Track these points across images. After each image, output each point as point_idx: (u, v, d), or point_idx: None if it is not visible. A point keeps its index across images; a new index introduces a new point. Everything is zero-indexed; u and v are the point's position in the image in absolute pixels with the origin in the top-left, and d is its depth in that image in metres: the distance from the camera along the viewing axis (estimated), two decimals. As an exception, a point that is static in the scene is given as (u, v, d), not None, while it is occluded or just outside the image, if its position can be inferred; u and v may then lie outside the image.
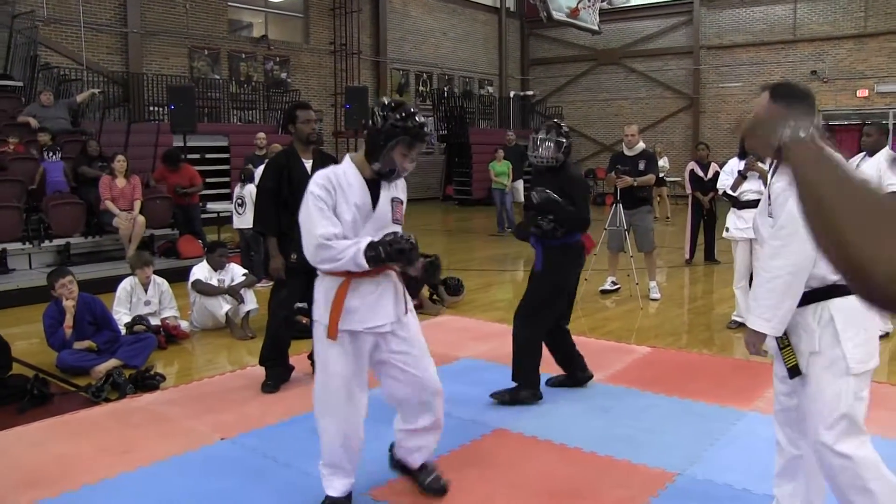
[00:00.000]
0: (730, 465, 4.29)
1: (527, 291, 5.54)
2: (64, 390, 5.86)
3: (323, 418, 3.70)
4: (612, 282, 9.56)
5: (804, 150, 1.07)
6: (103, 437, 4.87)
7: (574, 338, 5.83)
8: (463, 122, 25.19)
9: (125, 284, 7.36)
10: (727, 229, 7.65)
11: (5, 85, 13.90)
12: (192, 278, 7.73)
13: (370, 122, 3.57)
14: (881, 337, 6.88)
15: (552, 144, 5.44)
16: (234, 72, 20.54)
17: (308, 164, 5.54)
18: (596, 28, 22.19)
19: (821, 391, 2.99)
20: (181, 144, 14.07)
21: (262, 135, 12.28)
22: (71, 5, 16.89)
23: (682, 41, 26.66)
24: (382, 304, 3.59)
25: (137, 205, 10.69)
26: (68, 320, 6.34)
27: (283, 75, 21.86)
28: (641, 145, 9.21)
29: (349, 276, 3.50)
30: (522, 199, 16.41)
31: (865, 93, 22.87)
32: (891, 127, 19.42)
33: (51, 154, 11.17)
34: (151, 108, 17.84)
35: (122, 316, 7.07)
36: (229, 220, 11.30)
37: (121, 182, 10.66)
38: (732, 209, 7.62)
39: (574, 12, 20.65)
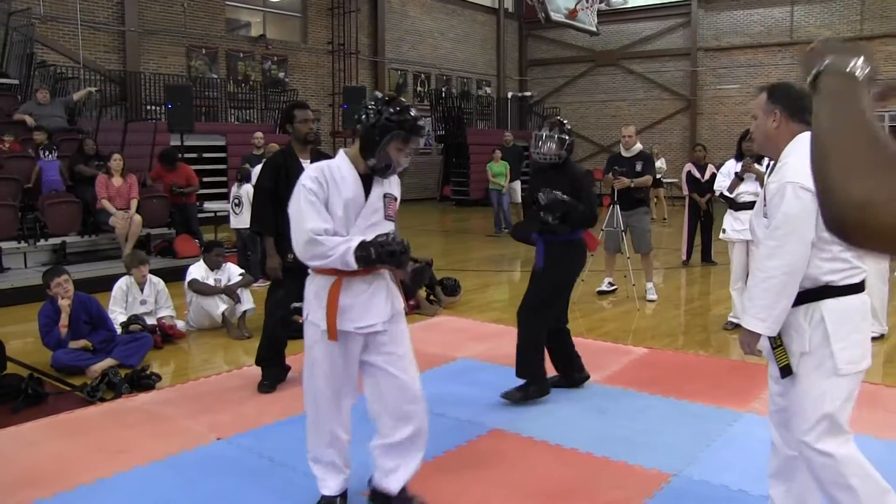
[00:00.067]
0: (726, 466, 4.29)
1: (529, 289, 5.53)
2: (59, 390, 5.84)
3: (310, 416, 3.70)
4: (609, 283, 9.56)
5: (837, 81, 1.05)
6: (99, 437, 4.86)
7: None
8: (461, 122, 25.19)
9: (121, 283, 7.35)
10: (724, 231, 7.65)
11: (1, 83, 13.87)
12: (188, 278, 7.72)
13: (363, 117, 3.50)
14: (876, 338, 6.89)
15: (555, 141, 5.44)
16: (231, 71, 20.53)
17: (306, 163, 5.52)
18: (594, 29, 22.18)
19: (807, 390, 3.02)
20: (178, 144, 14.07)
21: (259, 134, 12.28)
22: (68, 3, 16.87)
23: (680, 43, 26.69)
24: (374, 303, 3.53)
25: (134, 204, 10.68)
26: (64, 319, 6.33)
27: (281, 75, 21.85)
28: (639, 146, 9.21)
29: (341, 275, 3.45)
30: (520, 199, 16.45)
31: (862, 95, 22.85)
32: (887, 129, 19.40)
33: (47, 153, 11.15)
34: (149, 107, 17.82)
35: (117, 315, 7.06)
36: (226, 219, 11.29)
37: (117, 181, 10.65)
38: (729, 211, 7.62)
39: (572, 13, 20.64)
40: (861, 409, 4.95)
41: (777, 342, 3.07)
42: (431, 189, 25.63)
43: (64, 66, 16.50)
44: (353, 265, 3.33)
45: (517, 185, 16.55)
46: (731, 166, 7.68)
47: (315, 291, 3.55)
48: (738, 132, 8.43)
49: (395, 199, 3.65)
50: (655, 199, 17.63)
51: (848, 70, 1.08)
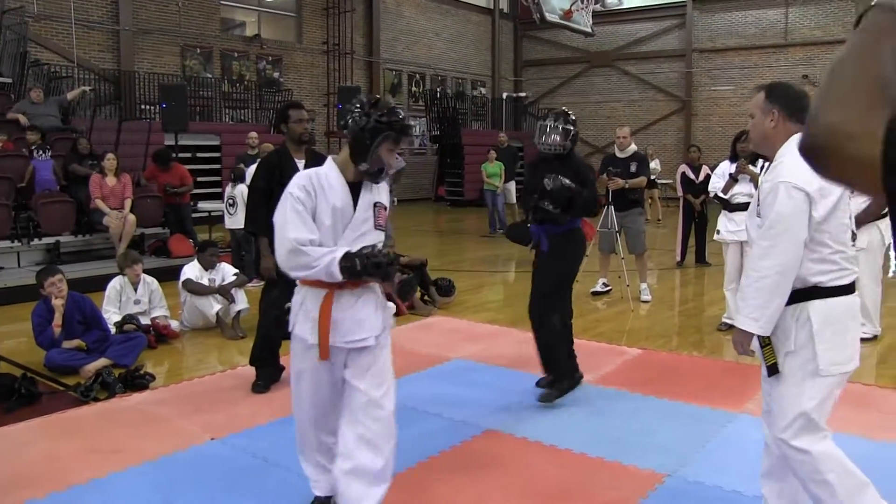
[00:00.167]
0: (720, 467, 4.30)
1: (534, 285, 5.52)
2: (52, 389, 5.83)
3: (297, 422, 3.65)
4: (604, 283, 9.57)
5: (879, 17, 1.02)
6: (92, 437, 4.85)
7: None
8: (455, 122, 25.21)
9: (115, 283, 7.34)
10: (718, 232, 7.66)
11: (-6, 82, 13.86)
12: (182, 277, 7.71)
13: (350, 122, 3.38)
14: (869, 339, 6.91)
15: (560, 132, 5.44)
16: (226, 71, 20.50)
17: (300, 163, 5.52)
18: (589, 30, 22.16)
19: (787, 389, 3.06)
20: (173, 143, 14.04)
21: (254, 134, 12.26)
22: (62, 2, 16.81)
23: (675, 44, 26.73)
24: (363, 317, 3.39)
25: (128, 203, 10.66)
26: (57, 319, 6.31)
27: (276, 75, 21.83)
28: (633, 147, 9.23)
29: (332, 289, 3.33)
30: (514, 200, 16.47)
31: (856, 97, 22.92)
32: None
33: (41, 152, 11.12)
34: (143, 107, 17.80)
35: (111, 315, 7.04)
36: (220, 219, 11.27)
37: (111, 180, 10.62)
38: (723, 212, 7.63)
39: (567, 14, 20.63)
40: (854, 410, 4.98)
41: (766, 341, 3.09)
42: (426, 189, 25.64)
43: (58, 65, 16.45)
44: (338, 276, 3.21)
45: (512, 185, 16.54)
46: (726, 167, 7.69)
47: (301, 303, 3.43)
48: (732, 133, 8.44)
49: (385, 207, 3.52)
50: (650, 200, 17.66)
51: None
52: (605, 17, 25.46)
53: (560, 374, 5.40)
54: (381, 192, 3.50)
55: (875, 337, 7.08)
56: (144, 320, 7.17)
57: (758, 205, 3.15)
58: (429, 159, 25.95)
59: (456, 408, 5.30)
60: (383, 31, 24.90)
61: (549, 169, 5.40)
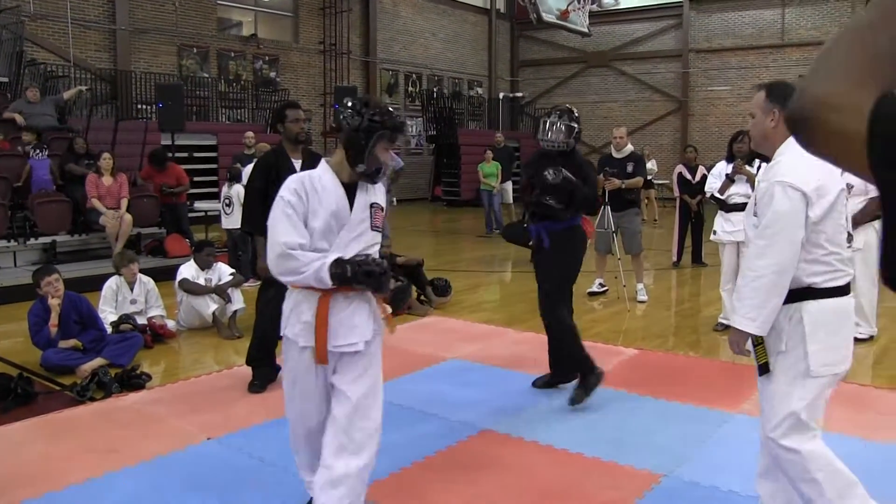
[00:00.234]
0: (716, 467, 4.30)
1: (540, 285, 5.50)
2: (48, 389, 5.83)
3: (291, 425, 3.59)
4: (600, 284, 9.57)
5: None
6: (88, 437, 4.85)
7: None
8: (452, 123, 25.20)
9: (111, 283, 7.33)
10: (714, 232, 7.67)
11: (-9, 81, 13.84)
12: (179, 277, 7.70)
13: (344, 123, 3.32)
14: (865, 340, 6.92)
15: (563, 129, 5.42)
16: (222, 70, 20.49)
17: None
18: (585, 30, 22.20)
19: (777, 388, 3.08)
20: (169, 143, 14.03)
21: (250, 134, 12.27)
22: (58, 1, 16.80)
23: (672, 44, 26.76)
24: (356, 321, 3.32)
25: (124, 203, 10.64)
26: (53, 319, 6.31)
27: (272, 74, 21.82)
28: (630, 148, 9.23)
29: (326, 293, 3.26)
30: (511, 200, 16.49)
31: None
32: None
33: (37, 151, 11.10)
34: (139, 106, 17.78)
35: (108, 315, 7.04)
36: (217, 219, 11.26)
37: (107, 180, 10.61)
38: (720, 212, 7.64)
39: (564, 14, 20.66)
40: (850, 411, 4.99)
41: (758, 340, 3.10)
42: (422, 189, 25.64)
43: (54, 65, 16.45)
44: (328, 282, 3.16)
45: (508, 185, 16.57)
46: (722, 168, 7.70)
47: (293, 307, 3.37)
48: (729, 134, 8.46)
49: (382, 208, 3.47)
50: (646, 201, 17.67)
51: None
52: (601, 17, 25.51)
53: (584, 370, 5.35)
54: (377, 193, 3.45)
55: (871, 337, 7.09)
56: (141, 320, 7.17)
57: (755, 204, 3.16)
58: (425, 159, 25.95)
59: (452, 408, 5.30)
60: (380, 30, 24.90)
61: (551, 165, 5.38)
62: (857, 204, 6.37)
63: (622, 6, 26.58)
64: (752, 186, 7.36)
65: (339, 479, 3.28)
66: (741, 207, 7.37)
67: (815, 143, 0.91)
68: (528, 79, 30.19)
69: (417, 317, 8.28)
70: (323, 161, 3.47)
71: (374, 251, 3.42)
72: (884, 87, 0.86)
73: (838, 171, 0.97)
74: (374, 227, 3.41)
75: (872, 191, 5.97)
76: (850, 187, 4.70)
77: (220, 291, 7.57)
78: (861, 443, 4.45)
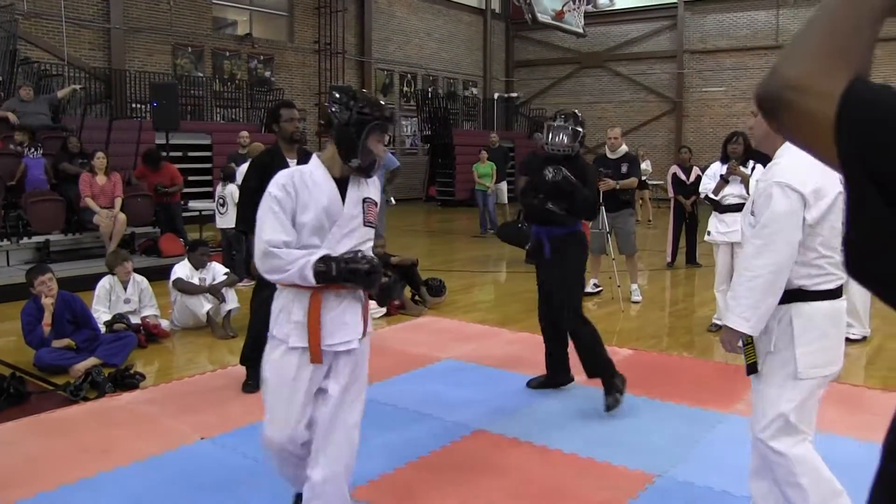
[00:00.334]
0: (710, 467, 4.31)
1: (555, 294, 5.44)
2: (41, 389, 5.82)
3: (269, 437, 3.36)
4: (595, 284, 9.58)
5: None
6: (81, 437, 4.84)
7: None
8: (447, 123, 25.20)
9: (104, 282, 7.32)
10: (709, 233, 7.68)
11: (-17, 79, 13.78)
12: (173, 277, 7.69)
13: (333, 118, 3.22)
14: (858, 340, 6.93)
15: (569, 133, 5.40)
16: (217, 70, 20.45)
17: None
18: (580, 31, 22.19)
19: (766, 389, 3.10)
20: (163, 142, 14.01)
21: (245, 133, 12.24)
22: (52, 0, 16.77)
23: (666, 45, 26.79)
24: (347, 319, 3.27)
25: (118, 202, 10.63)
26: (47, 318, 6.29)
27: (267, 74, 21.79)
28: (624, 148, 9.24)
29: (317, 291, 3.19)
30: (506, 200, 16.50)
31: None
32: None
33: (32, 150, 11.07)
34: (134, 105, 17.74)
35: (101, 314, 7.02)
36: (211, 218, 11.25)
37: (101, 179, 10.59)
38: (714, 213, 7.65)
39: (559, 15, 20.66)
40: (843, 411, 5.01)
41: (748, 339, 3.11)
42: (417, 189, 25.62)
43: (48, 63, 16.40)
44: (311, 280, 3.09)
45: (503, 185, 16.58)
46: (717, 169, 7.71)
47: (282, 306, 3.28)
48: (723, 135, 8.47)
49: (375, 203, 3.38)
50: (641, 201, 17.70)
51: None
52: (596, 17, 25.50)
53: (608, 374, 5.30)
54: (370, 188, 3.37)
55: (864, 338, 7.11)
56: (134, 319, 7.16)
57: (752, 203, 3.17)
58: (420, 159, 25.93)
59: (446, 408, 5.30)
60: (375, 30, 24.89)
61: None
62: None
63: (617, 7, 26.59)
64: (747, 187, 7.37)
65: (320, 488, 3.29)
66: (735, 208, 7.38)
67: (785, 125, 0.90)
68: (523, 79, 30.19)
69: (412, 317, 8.27)
70: (314, 156, 3.40)
71: (368, 247, 3.35)
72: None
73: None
74: (367, 223, 3.33)
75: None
76: None
77: (215, 291, 7.56)
78: (854, 443, 4.46)
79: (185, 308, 7.60)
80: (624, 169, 8.99)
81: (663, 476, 4.22)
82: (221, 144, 17.00)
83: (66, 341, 6.31)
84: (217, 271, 7.85)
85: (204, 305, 7.53)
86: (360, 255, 3.18)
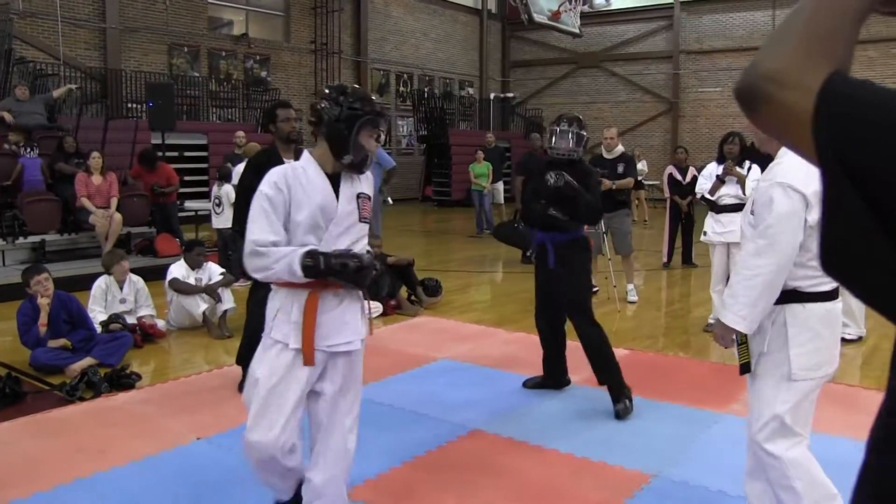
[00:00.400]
0: (706, 467, 4.32)
1: (567, 302, 5.41)
2: (37, 389, 5.81)
3: (253, 441, 3.21)
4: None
5: None
6: (78, 437, 4.83)
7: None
8: (443, 123, 25.19)
9: (100, 282, 7.31)
10: (705, 233, 7.68)
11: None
12: (169, 277, 7.69)
13: (323, 116, 3.18)
14: (854, 340, 6.95)
15: (573, 137, 5.39)
16: (213, 70, 20.43)
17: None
18: (577, 31, 22.28)
19: (761, 390, 3.11)
20: (159, 142, 14.00)
21: (241, 133, 12.24)
22: (48, -1, 16.77)
23: (662, 45, 26.83)
24: (347, 319, 3.24)
25: (114, 202, 10.60)
26: (43, 318, 6.28)
27: (263, 74, 21.78)
28: (620, 148, 9.24)
29: (314, 290, 3.15)
30: (502, 200, 16.50)
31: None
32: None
33: (29, 150, 11.05)
34: (130, 105, 17.72)
35: (97, 314, 7.02)
36: (207, 218, 11.24)
37: (97, 179, 10.58)
38: (710, 213, 7.65)
39: (555, 15, 20.73)
40: (839, 411, 5.01)
41: (742, 339, 3.12)
42: (413, 189, 25.63)
43: (44, 63, 16.37)
44: (299, 273, 3.02)
45: (500, 185, 16.58)
46: (713, 169, 7.71)
47: (280, 307, 3.21)
48: (719, 135, 8.47)
49: (369, 198, 3.35)
50: (637, 202, 17.71)
51: None
52: (592, 18, 25.58)
53: (617, 376, 5.29)
54: (363, 183, 3.34)
55: (860, 338, 7.12)
56: (130, 319, 7.15)
57: (752, 203, 3.17)
58: (416, 159, 25.94)
59: (442, 408, 5.30)
60: (371, 30, 24.88)
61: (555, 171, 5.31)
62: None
63: (613, 7, 26.65)
64: (743, 188, 7.38)
65: (320, 489, 3.30)
66: (731, 208, 7.39)
67: (763, 118, 0.90)
68: (520, 79, 30.22)
69: (408, 317, 8.27)
70: (305, 152, 3.35)
71: (363, 244, 3.33)
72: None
73: None
74: (362, 219, 3.30)
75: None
76: None
77: (211, 291, 7.56)
78: (850, 443, 4.46)
79: (181, 308, 7.59)
80: (620, 169, 9.00)
81: (659, 476, 4.23)
82: (217, 144, 16.97)
83: (62, 341, 6.31)
84: (213, 271, 7.84)
85: (200, 305, 7.52)
86: (349, 251, 3.14)
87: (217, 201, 10.18)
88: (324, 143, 3.24)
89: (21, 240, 10.39)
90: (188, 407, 5.39)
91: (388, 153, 12.66)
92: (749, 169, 7.46)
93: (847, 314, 6.26)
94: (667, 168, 12.21)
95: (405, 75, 26.43)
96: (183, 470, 4.32)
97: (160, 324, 7.44)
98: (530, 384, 5.77)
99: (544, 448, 4.63)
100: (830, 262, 0.84)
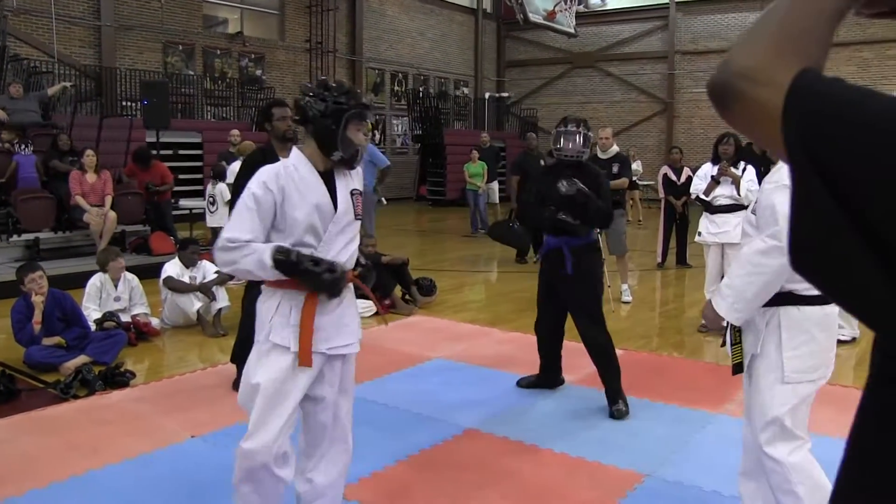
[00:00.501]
0: (699, 467, 4.33)
1: (581, 307, 5.39)
2: (31, 386, 5.80)
3: (253, 450, 3.12)
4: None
5: None
6: (72, 435, 4.83)
7: (546, 339, 5.84)
8: (438, 122, 25.18)
9: (95, 280, 7.30)
10: (699, 234, 7.70)
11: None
12: (163, 275, 7.68)
13: (308, 112, 3.13)
14: (847, 342, 6.96)
15: (581, 138, 5.37)
16: (208, 68, 20.40)
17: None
18: (572, 31, 22.27)
19: (758, 392, 3.11)
20: (154, 140, 13.98)
21: (235, 132, 12.23)
22: (43, -4, 16.72)
23: (657, 46, 26.85)
24: (347, 320, 3.22)
25: (108, 200, 10.59)
26: (37, 316, 6.27)
27: (258, 72, 21.75)
28: (615, 149, 9.25)
29: (312, 293, 3.10)
30: (497, 200, 16.50)
31: (836, 101, 23.10)
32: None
33: (23, 147, 11.03)
34: (124, 103, 17.67)
35: (91, 312, 7.01)
36: (202, 216, 11.23)
37: (91, 177, 10.56)
38: (705, 214, 7.67)
39: (550, 15, 20.73)
40: (833, 412, 5.01)
41: (736, 339, 3.12)
42: (407, 189, 25.61)
43: (38, 61, 16.33)
44: (269, 265, 2.97)
45: (495, 185, 16.59)
46: (708, 169, 7.73)
47: (277, 309, 3.13)
48: (714, 136, 8.49)
49: (360, 192, 3.32)
50: (631, 202, 17.72)
51: None
52: (588, 18, 25.59)
53: (618, 380, 5.29)
54: (353, 178, 3.29)
55: (854, 339, 7.14)
56: (125, 317, 7.15)
57: (755, 203, 3.16)
58: (410, 159, 25.93)
59: (437, 407, 5.31)
60: (366, 29, 24.87)
61: (563, 176, 5.27)
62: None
63: (608, 7, 26.68)
64: (738, 188, 7.40)
65: (321, 489, 3.31)
66: (726, 209, 7.42)
67: (736, 115, 0.90)
68: (515, 79, 30.21)
69: (402, 316, 8.28)
70: (295, 150, 3.27)
71: (357, 242, 3.30)
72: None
73: None
74: (356, 216, 3.26)
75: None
76: None
77: (205, 289, 7.55)
78: (843, 444, 4.48)
79: (175, 306, 7.59)
80: (615, 169, 9.00)
81: (653, 476, 4.24)
82: (212, 143, 16.97)
83: (56, 339, 6.30)
84: (207, 270, 7.83)
85: (194, 304, 7.52)
86: (326, 260, 3.08)
87: (211, 200, 10.18)
88: (312, 141, 3.19)
89: (15, 237, 10.38)
90: (182, 405, 5.38)
91: (382, 152, 12.65)
92: (744, 170, 7.49)
93: (842, 315, 6.26)
94: (661, 168, 12.22)
95: (400, 74, 26.42)
96: (177, 468, 4.32)
97: (154, 322, 7.44)
98: (524, 383, 5.78)
99: (539, 447, 4.64)
100: (800, 260, 0.84)
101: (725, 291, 3.10)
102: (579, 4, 22.49)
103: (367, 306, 7.46)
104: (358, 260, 3.24)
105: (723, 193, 7.50)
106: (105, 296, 7.25)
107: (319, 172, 3.17)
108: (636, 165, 18.67)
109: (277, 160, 5.47)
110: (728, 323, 3.17)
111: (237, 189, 5.84)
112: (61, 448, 4.60)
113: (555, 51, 28.41)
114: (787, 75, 0.84)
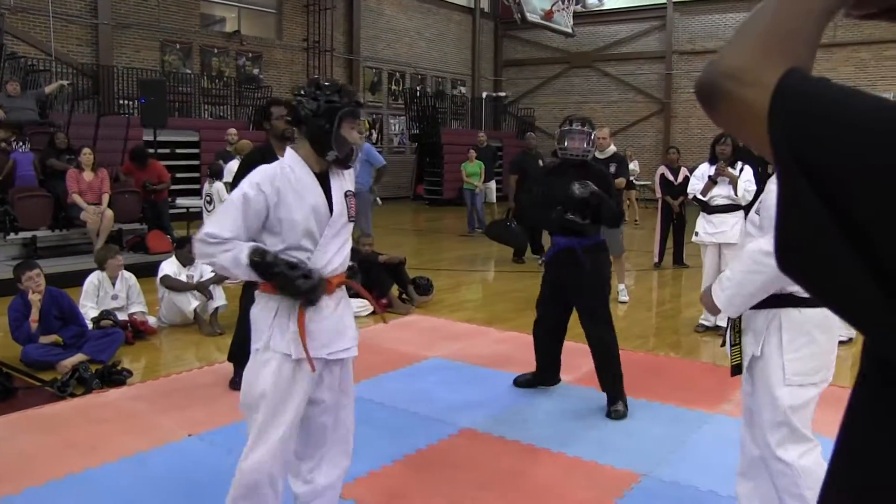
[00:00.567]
0: (696, 467, 4.33)
1: (589, 306, 5.39)
2: (28, 385, 5.80)
3: (262, 461, 3.09)
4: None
5: None
6: (69, 433, 4.83)
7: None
8: (435, 122, 25.19)
9: (92, 278, 7.30)
10: (696, 234, 7.70)
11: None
12: (160, 274, 7.68)
13: (301, 112, 3.09)
14: (845, 342, 6.97)
15: (586, 137, 5.36)
16: (205, 67, 20.39)
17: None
18: (569, 31, 22.27)
19: (761, 394, 3.09)
20: (151, 139, 13.97)
21: (233, 130, 12.23)
22: (40, -5, 16.70)
23: (655, 46, 26.86)
24: (346, 323, 3.23)
25: (105, 198, 10.59)
26: (34, 314, 6.27)
27: (255, 71, 21.74)
28: (612, 149, 9.25)
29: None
30: (494, 199, 16.51)
31: (833, 101, 23.12)
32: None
33: (21, 144, 11.02)
34: (121, 102, 17.65)
35: (89, 310, 7.00)
36: (199, 215, 11.23)
37: (88, 175, 10.55)
38: (702, 214, 7.68)
39: (548, 14, 20.72)
40: (831, 413, 5.02)
41: (735, 340, 3.12)
42: (404, 188, 25.62)
43: (35, 59, 16.31)
44: (245, 262, 2.92)
45: (492, 184, 16.59)
46: (705, 169, 7.74)
47: (276, 315, 3.08)
48: (711, 136, 8.49)
49: (354, 194, 3.30)
50: (628, 202, 17.73)
51: None
52: (585, 17, 25.56)
53: (620, 389, 5.29)
54: (347, 179, 3.27)
55: (850, 340, 7.15)
56: (122, 316, 7.14)
57: (759, 203, 3.16)
58: (407, 158, 25.93)
59: (433, 406, 5.31)
60: (364, 28, 24.86)
61: (570, 176, 5.24)
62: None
63: (606, 7, 26.66)
64: (735, 188, 7.41)
65: (321, 490, 3.32)
66: (723, 209, 7.42)
67: (723, 115, 0.91)
68: (512, 78, 30.21)
69: (399, 315, 8.28)
70: (289, 150, 3.22)
71: (349, 246, 3.29)
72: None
73: None
74: (350, 219, 3.24)
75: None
76: None
77: (202, 288, 7.55)
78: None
79: (172, 305, 7.59)
80: (612, 169, 8.96)
81: (649, 476, 4.25)
82: (209, 141, 16.96)
83: (53, 337, 6.30)
84: (204, 268, 7.81)
85: (191, 302, 7.52)
86: (303, 266, 3.03)
87: (208, 198, 10.17)
88: (305, 142, 3.15)
89: (12, 235, 10.38)
90: (179, 404, 5.38)
91: (379, 151, 12.65)
92: (741, 170, 7.49)
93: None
94: (658, 168, 12.22)
95: (397, 74, 26.42)
96: (174, 466, 4.32)
97: (151, 320, 7.44)
98: (521, 382, 5.78)
99: (535, 447, 4.64)
100: (786, 259, 0.85)
101: (725, 283, 3.08)
102: (577, 4, 22.48)
103: (363, 305, 7.47)
104: (323, 281, 3.18)
105: (720, 193, 7.50)
106: (102, 294, 7.25)
107: (315, 174, 3.13)
108: (633, 165, 18.68)
109: (276, 158, 5.49)
110: (728, 323, 3.17)
111: (234, 188, 5.85)
112: (58, 446, 4.60)
113: (552, 50, 28.42)
114: (774, 75, 0.84)
